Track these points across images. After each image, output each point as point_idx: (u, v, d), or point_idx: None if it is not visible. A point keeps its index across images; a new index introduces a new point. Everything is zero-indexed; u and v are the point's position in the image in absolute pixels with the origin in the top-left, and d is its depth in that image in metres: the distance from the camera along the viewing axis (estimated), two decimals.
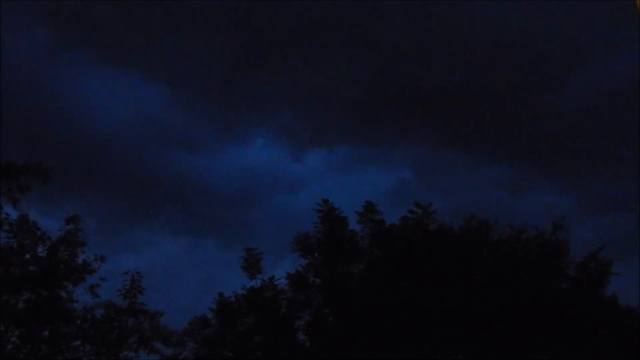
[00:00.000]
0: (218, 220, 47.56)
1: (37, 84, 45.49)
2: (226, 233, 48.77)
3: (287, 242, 23.93)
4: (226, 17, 49.97)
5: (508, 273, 22.61)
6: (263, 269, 23.47)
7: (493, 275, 22.44)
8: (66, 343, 19.33)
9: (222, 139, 52.46)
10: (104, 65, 50.81)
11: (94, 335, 19.67)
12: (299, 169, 50.34)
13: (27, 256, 18.97)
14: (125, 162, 46.12)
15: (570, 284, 23.29)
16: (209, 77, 52.74)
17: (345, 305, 22.64)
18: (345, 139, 51.39)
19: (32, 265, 19.00)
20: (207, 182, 49.88)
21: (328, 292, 23.11)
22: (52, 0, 46.13)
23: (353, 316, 22.23)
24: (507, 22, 47.96)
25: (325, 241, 23.44)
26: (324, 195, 24.84)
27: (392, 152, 49.77)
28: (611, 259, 23.08)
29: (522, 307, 21.84)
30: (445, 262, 22.36)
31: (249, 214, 47.01)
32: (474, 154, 48.07)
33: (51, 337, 19.05)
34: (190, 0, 47.33)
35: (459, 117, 46.05)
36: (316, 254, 23.56)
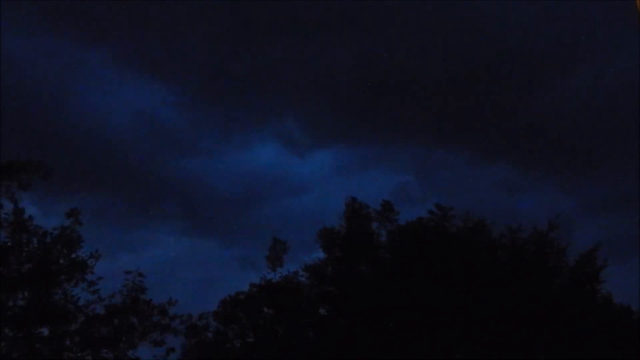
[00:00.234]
0: (219, 221, 47.62)
1: (38, 83, 45.56)
2: (227, 234, 48.81)
3: (288, 243, 24.09)
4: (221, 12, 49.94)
5: (505, 273, 22.71)
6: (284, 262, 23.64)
7: (491, 275, 22.55)
8: (64, 342, 19.32)
9: (224, 141, 52.46)
10: (107, 65, 50.80)
11: (93, 334, 19.65)
12: (301, 171, 50.30)
13: (23, 254, 18.98)
14: (127, 162, 46.17)
15: (567, 283, 23.37)
16: (211, 77, 52.73)
17: (358, 303, 22.76)
18: (346, 140, 51.35)
19: (28, 264, 19.01)
20: (209, 183, 49.92)
21: (344, 288, 23.15)
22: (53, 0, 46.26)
23: (365, 314, 22.36)
24: (507, 21, 47.98)
25: (348, 238, 23.54)
26: (325, 198, 24.89)
27: (393, 153, 49.74)
28: (606, 260, 23.18)
29: (519, 306, 21.93)
30: (446, 262, 22.49)
31: (250, 215, 47.09)
32: (474, 152, 48.09)
33: (49, 336, 19.06)
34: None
35: (459, 116, 46.04)
36: (337, 249, 23.61)
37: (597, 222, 40.95)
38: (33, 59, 46.87)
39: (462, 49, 48.83)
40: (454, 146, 48.22)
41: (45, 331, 19.04)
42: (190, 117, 52.79)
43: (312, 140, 51.47)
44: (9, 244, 19.00)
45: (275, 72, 51.71)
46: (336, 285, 23.50)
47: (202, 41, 51.84)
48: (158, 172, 46.62)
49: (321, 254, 24.03)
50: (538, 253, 23.22)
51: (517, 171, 46.82)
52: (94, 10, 46.79)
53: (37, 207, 21.09)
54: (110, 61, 50.93)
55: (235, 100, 52.33)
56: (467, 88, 46.98)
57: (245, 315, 23.14)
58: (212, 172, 50.91)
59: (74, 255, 19.56)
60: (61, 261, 19.50)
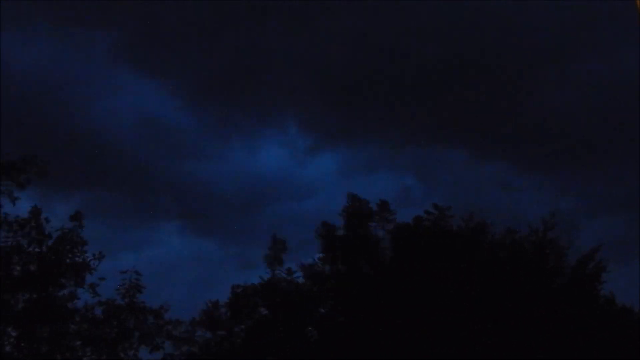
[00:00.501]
0: (220, 223, 47.66)
1: (40, 83, 45.56)
2: (228, 235, 48.84)
3: (289, 244, 24.07)
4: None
5: (505, 272, 22.69)
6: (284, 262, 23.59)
7: (490, 274, 22.54)
8: (66, 342, 19.34)
9: (227, 143, 52.45)
10: (110, 66, 50.77)
11: (94, 334, 19.67)
12: (304, 174, 50.27)
13: (24, 255, 18.98)
14: (128, 163, 46.20)
15: (567, 283, 23.34)
16: (215, 79, 52.75)
17: (356, 303, 22.73)
18: (347, 142, 51.32)
19: (32, 264, 19.04)
20: (210, 184, 49.94)
21: (342, 288, 23.13)
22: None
23: (365, 312, 22.34)
24: (507, 20, 47.97)
25: (347, 236, 23.49)
26: (327, 200, 24.84)
27: (395, 155, 49.71)
28: (607, 260, 23.14)
29: (520, 306, 21.91)
30: (445, 261, 22.47)
31: (252, 217, 47.08)
32: (475, 152, 48.11)
33: (51, 336, 19.06)
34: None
35: (459, 116, 46.05)
36: (336, 248, 23.53)
37: (597, 222, 40.98)
38: (36, 58, 46.83)
39: (462, 49, 48.81)
40: (456, 146, 48.28)
41: (46, 331, 19.07)
42: (193, 119, 52.83)
43: (314, 143, 51.57)
44: (11, 244, 18.99)
45: (275, 73, 51.70)
46: (335, 282, 23.45)
47: (202, 41, 51.83)
48: (161, 174, 46.74)
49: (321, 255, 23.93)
50: (538, 253, 23.19)
51: (518, 170, 46.89)
52: (94, 10, 46.76)
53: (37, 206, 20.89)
54: (117, 63, 50.96)
55: (236, 101, 52.37)
56: (466, 88, 46.98)
57: (237, 318, 23.08)
58: (213, 173, 50.98)
59: (78, 257, 19.60)
60: (67, 261, 19.52)
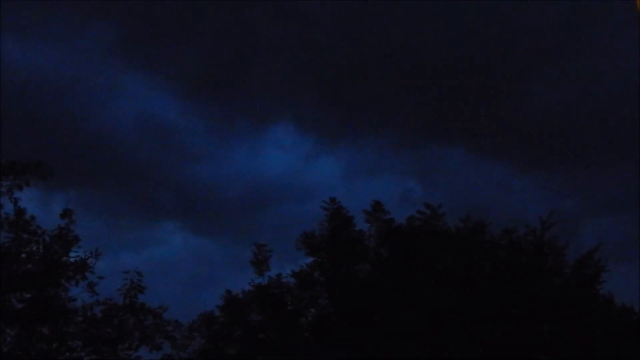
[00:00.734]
0: (221, 223, 47.73)
1: (41, 82, 45.59)
2: (228, 235, 48.90)
3: (290, 245, 24.09)
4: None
5: (504, 272, 22.72)
6: (271, 266, 23.59)
7: (489, 274, 22.57)
8: (65, 342, 19.37)
9: (228, 144, 52.48)
10: (113, 67, 50.82)
11: (94, 334, 19.69)
12: (306, 176, 50.25)
13: (23, 255, 19.03)
14: (129, 163, 46.28)
15: (567, 283, 23.35)
16: (215, 78, 52.73)
17: (350, 304, 22.74)
18: (352, 144, 51.28)
19: (29, 264, 19.06)
20: (212, 185, 49.97)
21: (334, 291, 23.19)
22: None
23: (358, 315, 22.34)
24: (508, 20, 47.97)
25: (331, 240, 23.52)
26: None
27: (396, 157, 49.74)
28: (606, 260, 23.13)
29: (519, 306, 21.94)
30: (441, 261, 22.50)
31: (255, 217, 47.11)
32: (475, 152, 48.11)
33: (50, 335, 19.10)
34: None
35: (458, 116, 46.02)
36: (322, 253, 23.61)
37: (597, 222, 40.98)
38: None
39: (462, 48, 48.81)
40: (457, 145, 48.31)
41: (46, 330, 19.11)
42: (193, 119, 52.88)
43: (315, 144, 51.61)
44: (7, 244, 19.02)
45: (275, 73, 51.76)
46: (325, 287, 23.47)
47: (202, 41, 51.92)
48: (162, 174, 46.83)
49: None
50: (536, 253, 23.19)
51: (518, 171, 46.90)
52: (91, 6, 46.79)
53: (37, 207, 21.05)
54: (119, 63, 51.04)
55: (237, 102, 52.43)
56: (467, 88, 46.99)
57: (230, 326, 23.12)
58: (214, 174, 51.05)
59: (72, 255, 19.62)
60: (64, 259, 19.55)
